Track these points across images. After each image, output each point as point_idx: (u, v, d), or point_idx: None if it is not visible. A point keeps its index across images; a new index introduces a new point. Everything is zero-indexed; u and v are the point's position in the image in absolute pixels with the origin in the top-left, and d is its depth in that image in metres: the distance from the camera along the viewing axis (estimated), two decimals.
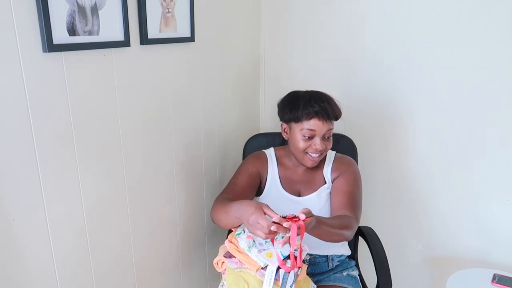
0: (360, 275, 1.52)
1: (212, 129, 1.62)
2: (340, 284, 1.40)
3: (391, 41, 1.69)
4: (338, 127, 1.81)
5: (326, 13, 1.77)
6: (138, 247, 1.29)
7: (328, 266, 1.45)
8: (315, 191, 1.44)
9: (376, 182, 1.87)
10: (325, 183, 1.45)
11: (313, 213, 1.14)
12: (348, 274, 1.45)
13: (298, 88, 1.46)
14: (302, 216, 1.04)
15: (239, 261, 1.22)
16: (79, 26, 0.98)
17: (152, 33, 1.21)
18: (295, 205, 1.41)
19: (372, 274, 1.42)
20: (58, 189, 1.00)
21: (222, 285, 1.31)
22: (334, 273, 1.45)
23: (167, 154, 1.38)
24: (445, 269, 1.81)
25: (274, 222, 1.03)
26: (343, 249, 1.49)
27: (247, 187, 1.41)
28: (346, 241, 1.33)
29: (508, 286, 1.53)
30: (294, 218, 1.05)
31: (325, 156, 1.48)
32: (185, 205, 1.50)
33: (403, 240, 1.90)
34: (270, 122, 2.01)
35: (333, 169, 1.45)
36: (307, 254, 1.40)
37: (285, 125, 1.43)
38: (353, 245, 1.60)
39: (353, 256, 1.59)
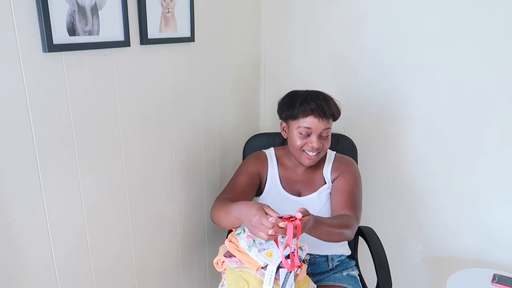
0: (360, 275, 1.52)
1: (212, 129, 1.62)
2: (340, 284, 1.40)
3: (391, 41, 1.69)
4: (338, 127, 1.82)
5: (326, 13, 1.77)
6: (138, 247, 1.29)
7: (328, 266, 1.45)
8: (315, 191, 1.44)
9: (376, 182, 1.87)
10: (325, 183, 1.45)
11: (313, 213, 1.14)
12: (348, 274, 1.45)
13: (298, 88, 1.46)
14: (299, 215, 1.04)
15: (239, 260, 1.22)
16: (79, 26, 0.98)
17: (152, 33, 1.21)
18: (295, 205, 1.40)
19: (372, 274, 1.42)
20: (58, 189, 1.00)
21: (222, 285, 1.31)
22: (334, 273, 1.45)
23: (167, 154, 1.38)
24: (445, 269, 1.81)
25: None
26: (343, 249, 1.49)
27: (247, 187, 1.41)
28: (346, 240, 1.33)
29: (508, 286, 1.53)
30: (291, 218, 1.05)
31: (325, 156, 1.48)
32: (185, 205, 1.50)
33: (403, 240, 1.90)
34: (270, 122, 2.01)
35: (333, 169, 1.45)
36: (307, 254, 1.40)
37: (284, 124, 1.44)
38: (353, 245, 1.60)
39: (353, 256, 1.59)
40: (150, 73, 1.24)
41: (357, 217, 1.35)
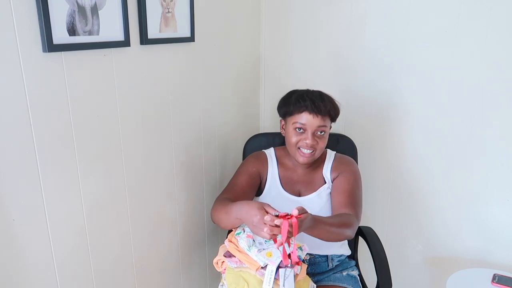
0: (360, 275, 1.52)
1: (212, 129, 1.62)
2: (340, 284, 1.40)
3: (391, 41, 1.69)
4: (338, 127, 1.82)
5: (326, 13, 1.77)
6: (138, 247, 1.29)
7: (328, 266, 1.45)
8: (315, 191, 1.44)
9: (376, 182, 1.87)
10: (325, 183, 1.45)
11: (313, 213, 1.14)
12: (348, 274, 1.45)
13: (298, 88, 1.46)
14: (295, 212, 1.04)
15: (239, 260, 1.22)
16: (79, 26, 0.98)
17: (152, 33, 1.21)
18: (295, 205, 1.38)
19: (372, 274, 1.42)
20: (58, 189, 1.00)
21: (222, 285, 1.31)
22: (334, 273, 1.45)
23: (167, 154, 1.38)
24: (445, 269, 1.81)
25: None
26: (343, 249, 1.49)
27: (247, 187, 1.41)
28: (347, 239, 1.33)
29: (508, 286, 1.53)
30: (287, 216, 1.05)
31: (325, 156, 1.49)
32: (185, 205, 1.50)
33: (403, 240, 1.90)
34: (270, 122, 2.01)
35: (332, 169, 1.45)
36: (307, 254, 1.40)
37: (282, 122, 1.45)
38: (353, 245, 1.61)
39: (353, 256, 1.59)
40: (150, 73, 1.24)
41: (357, 216, 1.35)
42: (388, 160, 1.83)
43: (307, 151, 1.36)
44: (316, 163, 1.47)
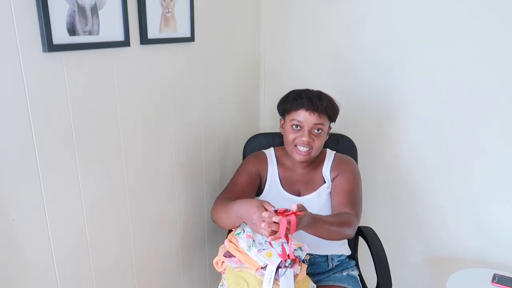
0: (360, 275, 1.52)
1: (212, 129, 1.62)
2: (340, 284, 1.40)
3: (391, 41, 1.69)
4: (338, 127, 1.82)
5: (326, 13, 1.77)
6: (138, 247, 1.29)
7: (328, 266, 1.45)
8: (314, 190, 1.44)
9: (376, 182, 1.87)
10: (325, 182, 1.45)
11: (313, 212, 1.14)
12: (348, 274, 1.45)
13: (298, 88, 1.46)
14: (294, 207, 1.05)
15: (239, 260, 1.22)
16: (79, 26, 0.98)
17: (152, 33, 1.21)
18: None
19: (372, 274, 1.42)
20: (58, 189, 1.00)
21: (222, 285, 1.31)
22: (334, 273, 1.45)
23: (167, 154, 1.38)
24: (445, 269, 1.81)
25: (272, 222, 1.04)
26: (343, 249, 1.49)
27: (247, 187, 1.41)
28: (347, 238, 1.33)
29: (508, 286, 1.53)
30: (286, 212, 1.05)
31: (325, 156, 1.49)
32: (185, 205, 1.50)
33: (403, 240, 1.90)
34: (270, 122, 2.01)
35: (332, 169, 1.45)
36: (307, 254, 1.40)
37: (282, 120, 1.46)
38: (353, 245, 1.60)
39: (353, 256, 1.59)
40: (150, 73, 1.24)
41: (357, 215, 1.35)
42: (388, 160, 1.83)
43: (303, 149, 1.37)
44: (316, 162, 1.47)
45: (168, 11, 1.26)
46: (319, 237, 1.21)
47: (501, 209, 1.68)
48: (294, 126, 1.37)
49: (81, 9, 0.98)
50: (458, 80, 1.62)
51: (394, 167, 1.83)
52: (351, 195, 1.38)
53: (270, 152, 1.52)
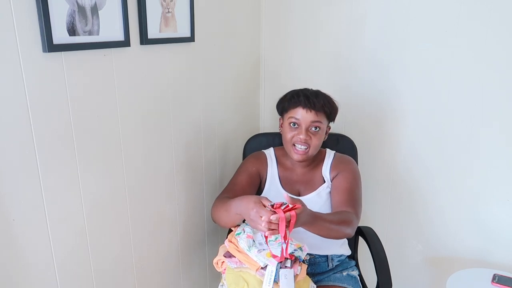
0: (360, 275, 1.52)
1: (212, 129, 1.62)
2: (340, 284, 1.40)
3: (391, 41, 1.69)
4: (338, 127, 1.82)
5: (326, 13, 1.77)
6: (138, 247, 1.29)
7: (328, 266, 1.45)
8: (314, 190, 1.44)
9: (376, 182, 1.87)
10: (324, 182, 1.45)
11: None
12: (348, 274, 1.45)
13: (298, 87, 1.46)
14: (287, 198, 1.06)
15: (239, 260, 1.22)
16: (79, 26, 0.98)
17: (152, 33, 1.21)
18: None
19: (372, 274, 1.42)
20: (58, 189, 1.00)
21: (222, 285, 1.31)
22: (334, 273, 1.45)
23: (167, 154, 1.38)
24: (445, 269, 1.81)
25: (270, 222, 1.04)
26: (343, 249, 1.49)
27: (247, 186, 1.41)
28: (347, 237, 1.33)
29: (508, 286, 1.53)
30: (285, 208, 1.05)
31: (324, 156, 1.49)
32: (185, 205, 1.50)
33: (403, 240, 1.90)
34: (270, 122, 2.01)
35: (332, 168, 1.46)
36: (307, 254, 1.40)
37: (281, 120, 1.46)
38: (353, 245, 1.61)
39: (353, 256, 1.59)
40: (150, 73, 1.24)
41: (357, 214, 1.35)
42: (388, 160, 1.83)
43: (301, 148, 1.37)
44: (315, 162, 1.48)
45: (168, 11, 1.26)
46: (319, 235, 1.21)
47: (501, 209, 1.68)
48: (291, 124, 1.38)
49: (81, 9, 0.98)
50: (458, 80, 1.62)
51: (394, 167, 1.83)
52: (350, 195, 1.38)
53: (270, 152, 1.52)
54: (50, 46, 0.90)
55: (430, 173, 1.77)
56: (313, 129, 1.37)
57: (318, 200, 1.43)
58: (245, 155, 1.66)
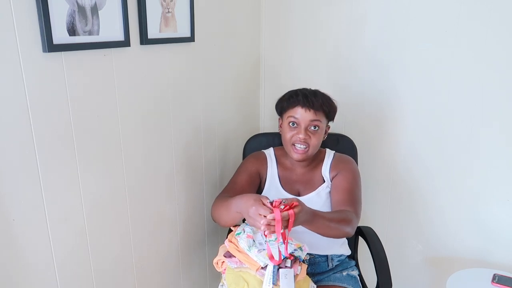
0: (360, 275, 1.52)
1: (212, 129, 1.62)
2: (340, 284, 1.40)
3: (391, 41, 1.69)
4: (338, 127, 1.82)
5: (326, 13, 1.77)
6: (138, 247, 1.29)
7: (328, 266, 1.45)
8: (314, 190, 1.44)
9: (376, 182, 1.87)
10: (324, 182, 1.45)
11: None
12: (348, 274, 1.45)
13: (298, 88, 1.46)
14: (278, 200, 1.06)
15: (239, 260, 1.22)
16: (79, 26, 0.98)
17: (152, 33, 1.21)
18: None
19: (372, 274, 1.42)
20: (58, 189, 1.00)
21: (222, 285, 1.31)
22: (334, 273, 1.45)
23: (167, 154, 1.38)
24: (445, 269, 1.81)
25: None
26: (342, 248, 1.49)
27: (246, 186, 1.41)
28: (346, 237, 1.33)
29: (508, 286, 1.53)
30: (285, 207, 1.05)
31: (324, 156, 1.49)
32: (185, 205, 1.50)
33: (403, 240, 1.90)
34: (270, 122, 2.01)
35: (331, 168, 1.46)
36: (307, 254, 1.40)
37: (280, 120, 1.47)
38: (353, 245, 1.61)
39: (353, 256, 1.59)
40: (150, 73, 1.24)
41: (357, 213, 1.35)
42: (388, 160, 1.83)
43: (300, 147, 1.37)
44: (315, 162, 1.48)
45: (168, 11, 1.26)
46: (318, 233, 1.21)
47: (501, 209, 1.68)
48: (290, 124, 1.38)
49: (81, 9, 0.98)
50: (458, 80, 1.62)
51: (394, 167, 1.83)
52: (350, 194, 1.38)
53: (269, 152, 1.52)
54: (50, 46, 0.90)
55: (430, 173, 1.77)
56: (312, 128, 1.37)
57: (317, 200, 1.43)
58: (245, 155, 1.66)
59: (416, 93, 1.70)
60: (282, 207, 1.06)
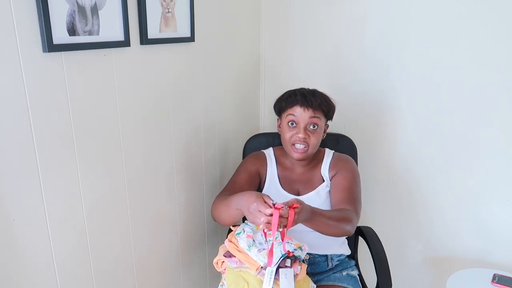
0: (360, 275, 1.52)
1: (212, 129, 1.62)
2: (340, 284, 1.40)
3: (391, 41, 1.69)
4: (338, 127, 1.82)
5: (326, 13, 1.77)
6: (138, 247, 1.29)
7: (328, 265, 1.45)
8: (313, 189, 1.44)
9: (376, 182, 1.87)
10: (324, 181, 1.45)
11: None
12: (347, 274, 1.45)
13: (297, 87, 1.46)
14: (293, 201, 1.06)
15: (239, 260, 1.22)
16: (79, 26, 0.98)
17: (152, 33, 1.21)
18: None
19: (372, 274, 1.42)
20: (58, 189, 1.00)
21: (222, 285, 1.31)
22: (334, 273, 1.45)
23: (167, 154, 1.38)
24: (445, 269, 1.81)
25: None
26: (342, 248, 1.49)
27: (246, 185, 1.41)
28: (346, 235, 1.33)
29: (508, 286, 1.53)
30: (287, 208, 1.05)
31: (323, 155, 1.49)
32: (185, 205, 1.50)
33: (403, 240, 1.90)
34: (270, 122, 2.01)
35: (330, 167, 1.46)
36: (307, 253, 1.40)
37: (279, 120, 1.47)
38: (353, 245, 1.61)
39: (353, 256, 1.59)
40: (150, 73, 1.24)
41: (356, 212, 1.35)
42: (388, 160, 1.83)
43: (300, 147, 1.37)
44: (314, 161, 1.48)
45: (168, 11, 1.26)
46: (318, 231, 1.21)
47: (501, 209, 1.68)
48: (290, 123, 1.39)
49: (81, 9, 0.98)
50: (458, 80, 1.62)
51: (394, 167, 1.83)
52: (350, 193, 1.38)
53: (269, 152, 1.52)
54: (50, 46, 0.90)
55: (430, 173, 1.77)
56: (311, 127, 1.37)
57: (317, 199, 1.43)
58: (245, 155, 1.66)
59: (416, 93, 1.70)
60: (286, 207, 1.06)
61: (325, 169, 1.46)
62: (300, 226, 1.14)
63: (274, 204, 1.06)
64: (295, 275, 1.17)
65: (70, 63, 0.98)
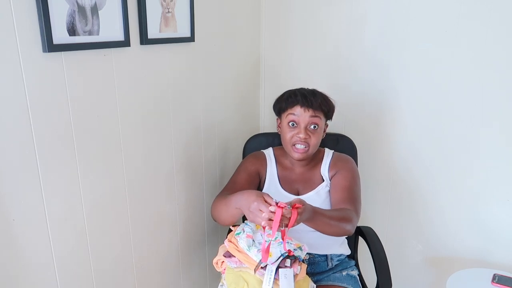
0: (360, 275, 1.52)
1: (212, 129, 1.62)
2: (340, 284, 1.41)
3: (391, 41, 1.69)
4: (338, 127, 1.82)
5: (326, 13, 1.77)
6: (138, 247, 1.29)
7: (328, 265, 1.45)
8: (313, 189, 1.44)
9: (376, 182, 1.87)
10: (323, 181, 1.45)
11: None
12: (347, 274, 1.45)
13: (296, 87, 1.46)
14: (296, 201, 1.06)
15: (239, 260, 1.22)
16: (79, 26, 0.98)
17: (152, 33, 1.21)
18: None
19: (372, 274, 1.42)
20: (58, 189, 1.00)
21: (222, 285, 1.31)
22: (334, 273, 1.45)
23: (167, 154, 1.38)
24: (445, 269, 1.81)
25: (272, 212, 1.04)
26: (342, 248, 1.49)
27: (246, 185, 1.41)
28: (346, 235, 1.33)
29: (508, 286, 1.53)
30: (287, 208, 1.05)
31: (323, 155, 1.49)
32: (185, 205, 1.50)
33: (403, 240, 1.90)
34: (270, 122, 2.01)
35: (330, 167, 1.46)
36: (307, 253, 1.40)
37: (278, 120, 1.47)
38: (353, 245, 1.61)
39: (353, 256, 1.59)
40: (150, 73, 1.24)
41: (356, 211, 1.35)
42: (388, 160, 1.83)
43: (300, 147, 1.37)
44: (314, 161, 1.48)
45: (168, 11, 1.26)
46: (318, 230, 1.21)
47: (501, 209, 1.68)
48: (290, 124, 1.38)
49: (81, 9, 0.98)
50: (458, 80, 1.62)
51: (394, 167, 1.83)
52: (349, 192, 1.38)
53: (269, 152, 1.52)
54: (50, 46, 0.90)
55: (430, 173, 1.77)
56: (312, 127, 1.37)
57: (317, 199, 1.43)
58: (245, 155, 1.66)
59: (416, 93, 1.70)
60: (289, 207, 1.06)
61: (324, 169, 1.46)
62: (300, 226, 1.14)
63: (277, 203, 1.06)
64: (295, 275, 1.17)
65: (70, 63, 0.98)
